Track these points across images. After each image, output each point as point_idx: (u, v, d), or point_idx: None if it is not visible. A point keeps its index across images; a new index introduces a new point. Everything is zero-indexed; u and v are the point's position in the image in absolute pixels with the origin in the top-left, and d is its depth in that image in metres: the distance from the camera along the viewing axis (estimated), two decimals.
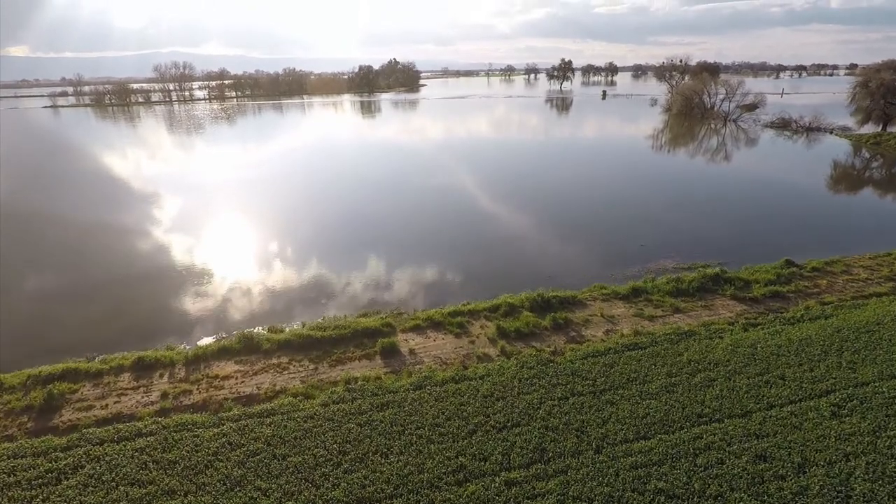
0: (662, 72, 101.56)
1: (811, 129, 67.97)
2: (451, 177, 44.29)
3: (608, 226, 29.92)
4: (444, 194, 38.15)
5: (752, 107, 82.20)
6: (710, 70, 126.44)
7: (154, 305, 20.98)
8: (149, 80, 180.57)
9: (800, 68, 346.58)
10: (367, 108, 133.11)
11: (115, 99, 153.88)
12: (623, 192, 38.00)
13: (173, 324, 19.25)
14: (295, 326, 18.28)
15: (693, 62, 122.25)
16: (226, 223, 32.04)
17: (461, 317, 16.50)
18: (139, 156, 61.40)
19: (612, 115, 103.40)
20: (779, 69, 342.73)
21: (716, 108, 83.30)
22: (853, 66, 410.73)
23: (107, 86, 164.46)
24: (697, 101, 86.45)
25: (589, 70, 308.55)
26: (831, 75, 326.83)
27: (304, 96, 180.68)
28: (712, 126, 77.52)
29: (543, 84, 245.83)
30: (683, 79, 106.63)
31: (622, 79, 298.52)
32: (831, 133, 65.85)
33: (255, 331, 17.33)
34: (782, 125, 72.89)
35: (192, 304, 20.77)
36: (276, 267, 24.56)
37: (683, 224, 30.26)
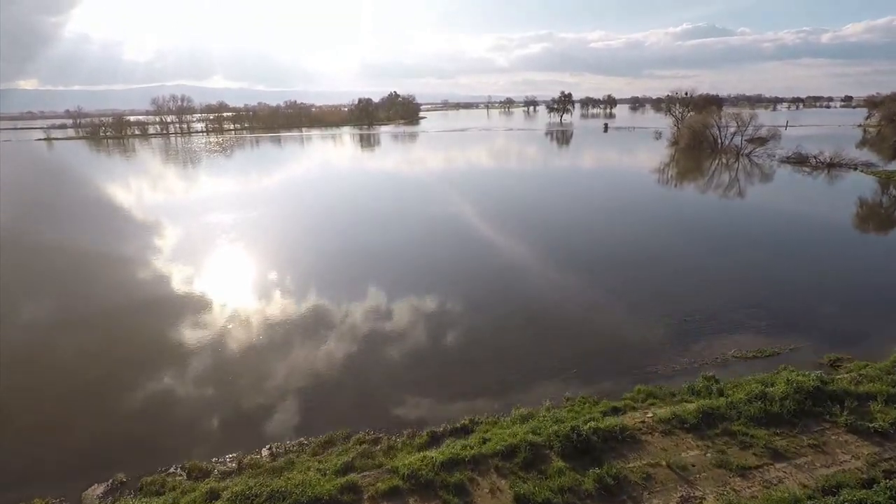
0: (668, 104, 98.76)
1: (833, 165, 63.89)
2: (447, 227, 39.53)
3: (636, 287, 24.79)
4: (440, 253, 33.28)
5: (761, 140, 78.49)
6: (714, 102, 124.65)
7: (50, 409, 15.63)
8: (151, 113, 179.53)
9: (797, 100, 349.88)
10: (365, 142, 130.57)
11: (111, 131, 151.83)
12: (647, 241, 33.09)
13: (60, 447, 13.90)
14: (227, 462, 13.01)
15: (696, 94, 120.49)
16: (161, 279, 26.81)
17: (461, 469, 11.14)
18: (114, 193, 56.95)
19: (617, 148, 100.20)
20: (776, 101, 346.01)
21: (727, 142, 79.73)
22: (848, 98, 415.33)
23: (103, 118, 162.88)
24: (706, 134, 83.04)
25: (588, 102, 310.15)
26: (828, 107, 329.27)
27: (303, 129, 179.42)
28: (724, 161, 73.72)
29: (542, 116, 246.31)
30: (688, 111, 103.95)
31: (620, 111, 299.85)
32: (855, 169, 61.73)
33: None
34: (799, 160, 68.95)
35: (86, 412, 15.22)
36: (219, 343, 19.32)
37: (726, 282, 25.20)
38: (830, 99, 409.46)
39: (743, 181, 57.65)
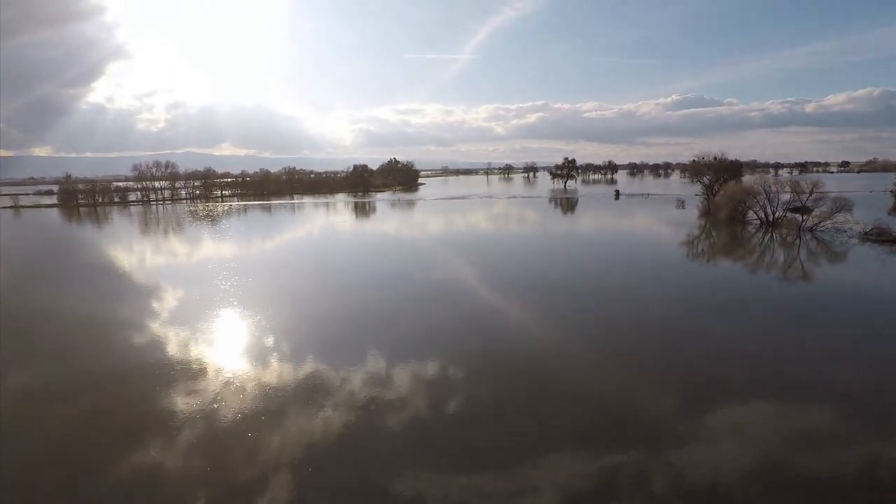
0: (699, 171, 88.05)
1: None
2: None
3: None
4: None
5: (803, 209, 65.58)
6: (735, 168, 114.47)
7: None
8: (132, 179, 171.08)
9: (798, 165, 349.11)
10: (359, 211, 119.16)
11: (85, 198, 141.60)
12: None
13: None
14: None
15: (713, 158, 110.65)
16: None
17: None
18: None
19: (641, 219, 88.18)
20: (777, 166, 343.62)
21: (780, 214, 67.16)
22: (845, 164, 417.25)
23: (79, 185, 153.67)
24: (751, 204, 70.69)
25: (588, 168, 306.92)
26: (831, 172, 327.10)
27: (296, 196, 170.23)
28: (784, 237, 60.77)
29: (543, 182, 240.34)
30: (715, 178, 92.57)
31: (620, 177, 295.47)
32: None
33: None
34: (882, 237, 55.73)
35: None
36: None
37: None
38: (828, 164, 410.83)
39: (817, 265, 43.70)
